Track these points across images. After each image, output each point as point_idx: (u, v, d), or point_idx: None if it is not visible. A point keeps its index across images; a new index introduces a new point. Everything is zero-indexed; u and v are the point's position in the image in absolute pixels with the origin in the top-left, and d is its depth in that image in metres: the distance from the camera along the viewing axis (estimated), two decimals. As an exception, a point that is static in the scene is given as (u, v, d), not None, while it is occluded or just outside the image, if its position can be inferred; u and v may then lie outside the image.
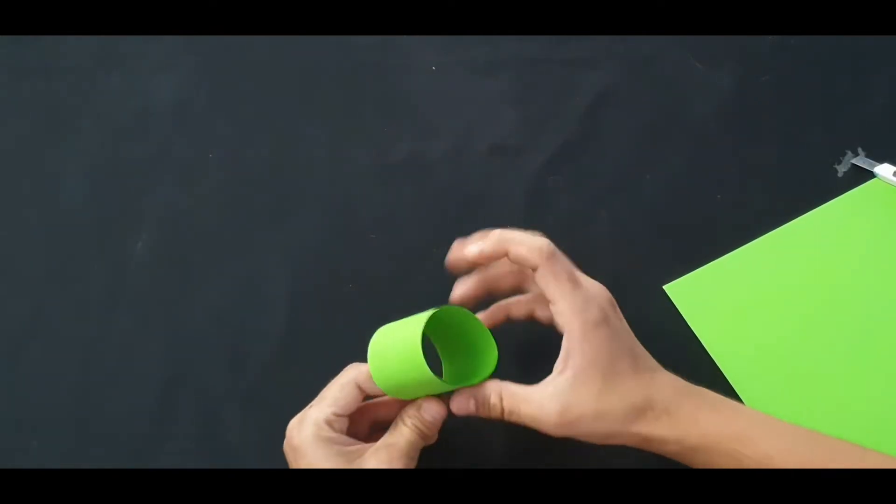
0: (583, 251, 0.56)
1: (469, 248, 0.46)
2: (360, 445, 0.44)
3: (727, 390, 0.50)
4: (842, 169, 0.57)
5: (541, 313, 0.48)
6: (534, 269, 0.44)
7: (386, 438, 0.45)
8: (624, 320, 0.45)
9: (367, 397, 0.46)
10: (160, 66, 0.63)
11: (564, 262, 0.45)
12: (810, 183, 0.57)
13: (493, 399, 0.44)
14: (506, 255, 0.45)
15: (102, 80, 0.63)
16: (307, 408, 0.45)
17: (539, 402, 0.42)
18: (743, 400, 0.50)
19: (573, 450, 0.48)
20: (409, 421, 0.45)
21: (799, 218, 0.55)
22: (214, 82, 0.63)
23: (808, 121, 0.59)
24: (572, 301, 0.43)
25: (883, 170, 0.56)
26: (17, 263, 0.57)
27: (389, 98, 0.62)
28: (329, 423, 0.44)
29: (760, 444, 0.41)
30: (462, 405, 0.45)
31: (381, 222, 0.58)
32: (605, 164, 0.59)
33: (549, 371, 0.43)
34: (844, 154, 0.57)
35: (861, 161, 0.57)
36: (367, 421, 0.47)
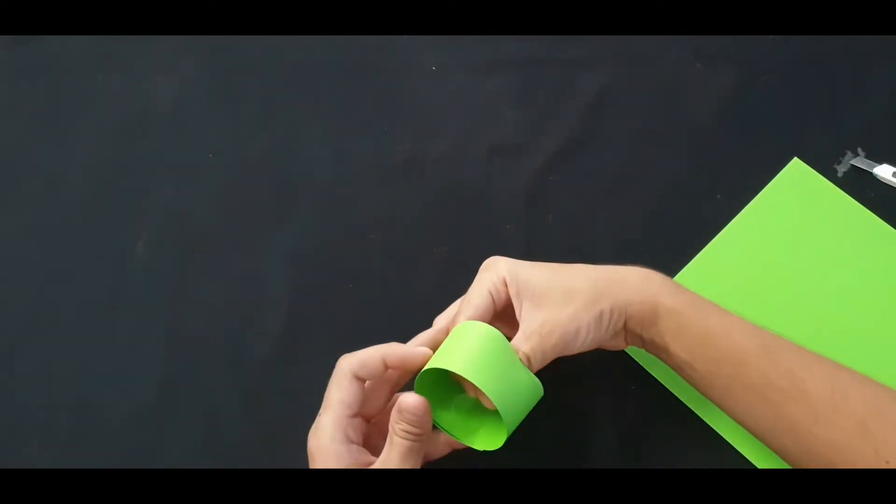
0: (583, 251, 0.56)
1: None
2: (371, 459, 0.44)
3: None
4: (841, 169, 0.57)
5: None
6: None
7: (383, 454, 0.43)
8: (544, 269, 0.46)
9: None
10: (160, 66, 0.63)
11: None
12: (810, 183, 0.57)
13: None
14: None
15: (102, 81, 0.63)
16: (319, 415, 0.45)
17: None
18: None
19: (573, 451, 0.48)
20: (397, 428, 0.43)
21: (737, 217, 0.56)
22: (214, 82, 0.63)
23: (808, 121, 0.59)
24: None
25: (882, 170, 0.56)
26: (17, 263, 0.57)
27: (389, 98, 0.62)
28: (343, 429, 0.44)
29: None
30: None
31: (381, 222, 0.58)
32: (605, 164, 0.59)
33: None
34: (844, 154, 0.57)
35: (860, 161, 0.57)
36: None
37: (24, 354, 0.54)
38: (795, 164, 0.57)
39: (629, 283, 0.46)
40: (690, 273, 0.55)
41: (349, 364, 0.45)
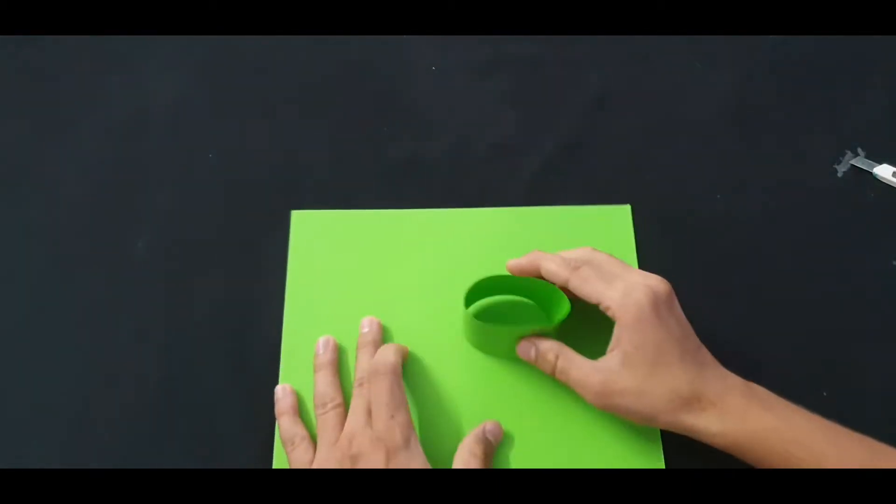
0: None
1: (509, 261, 0.51)
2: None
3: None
4: (841, 169, 0.57)
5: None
6: (565, 283, 0.48)
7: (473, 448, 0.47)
8: (680, 315, 0.47)
9: None
10: (160, 66, 0.63)
11: (597, 266, 0.48)
12: (810, 183, 0.58)
13: (550, 356, 0.48)
14: (539, 270, 0.50)
15: (102, 81, 0.63)
16: (396, 416, 0.46)
17: (587, 371, 0.47)
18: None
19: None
20: (479, 451, 0.47)
21: (287, 291, 0.55)
22: (214, 82, 0.63)
23: (808, 121, 0.59)
24: (611, 296, 0.46)
25: (882, 170, 0.56)
26: (17, 263, 0.57)
27: (389, 98, 0.62)
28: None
29: (813, 445, 0.42)
30: (525, 351, 0.50)
31: (381, 222, 0.58)
32: (605, 164, 0.59)
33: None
34: (844, 154, 0.57)
35: (860, 162, 0.57)
36: None
37: (25, 354, 0.54)
38: (296, 216, 0.57)
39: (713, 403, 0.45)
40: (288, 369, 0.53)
41: (397, 362, 0.49)
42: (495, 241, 0.56)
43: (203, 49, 0.63)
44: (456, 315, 0.53)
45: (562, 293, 0.49)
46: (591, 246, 0.50)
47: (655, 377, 0.45)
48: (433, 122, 0.61)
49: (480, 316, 0.53)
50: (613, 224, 0.56)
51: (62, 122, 0.61)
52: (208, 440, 0.52)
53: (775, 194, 0.57)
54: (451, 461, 0.47)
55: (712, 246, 0.56)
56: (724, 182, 0.58)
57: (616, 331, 0.46)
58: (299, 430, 0.49)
